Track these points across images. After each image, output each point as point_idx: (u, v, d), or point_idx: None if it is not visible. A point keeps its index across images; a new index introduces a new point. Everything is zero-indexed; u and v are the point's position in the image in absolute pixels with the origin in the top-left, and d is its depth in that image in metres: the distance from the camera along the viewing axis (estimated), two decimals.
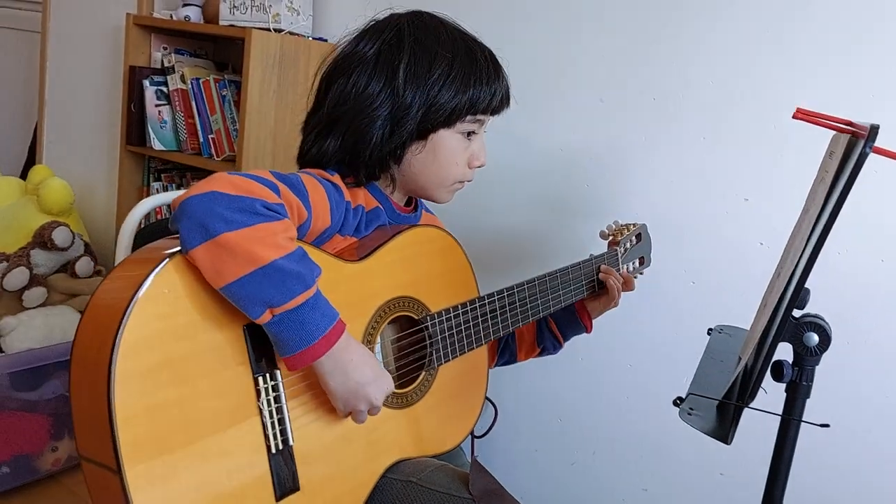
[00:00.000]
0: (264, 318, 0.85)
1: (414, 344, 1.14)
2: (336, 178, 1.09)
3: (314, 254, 0.99)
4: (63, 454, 1.99)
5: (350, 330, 1.01)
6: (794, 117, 0.76)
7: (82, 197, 2.41)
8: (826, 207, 0.73)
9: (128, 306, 0.79)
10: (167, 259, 0.83)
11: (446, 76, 1.08)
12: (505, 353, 1.43)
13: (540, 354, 1.44)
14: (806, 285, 0.77)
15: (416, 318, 1.12)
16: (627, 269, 1.44)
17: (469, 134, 1.14)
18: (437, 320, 1.12)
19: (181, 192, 0.86)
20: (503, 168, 1.84)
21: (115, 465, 0.77)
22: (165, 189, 2.22)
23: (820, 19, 1.46)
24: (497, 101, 1.15)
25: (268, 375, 0.91)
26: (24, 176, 2.49)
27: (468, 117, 1.12)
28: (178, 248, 0.84)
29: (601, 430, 1.78)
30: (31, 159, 2.66)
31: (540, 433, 1.88)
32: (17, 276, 1.92)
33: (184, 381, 0.83)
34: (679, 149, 1.62)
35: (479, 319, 1.18)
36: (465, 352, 1.16)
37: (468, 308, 1.16)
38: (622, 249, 1.41)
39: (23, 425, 1.89)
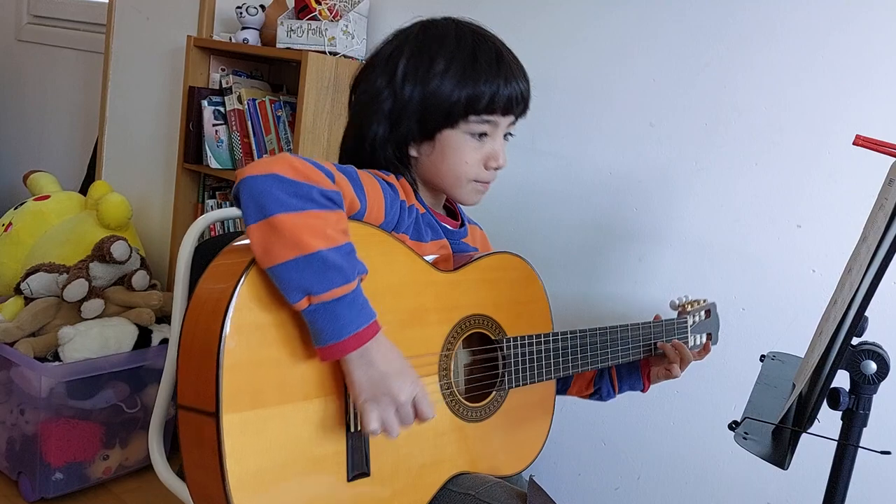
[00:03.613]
0: (301, 305, 0.86)
1: (486, 362, 1.16)
2: (391, 178, 1.11)
3: (407, 257, 1.04)
4: (114, 463, 2.04)
5: (432, 334, 1.06)
6: (854, 144, 0.76)
7: (139, 212, 2.47)
8: (887, 235, 0.72)
9: (247, 268, 0.86)
10: None
11: (443, 72, 1.09)
12: (557, 382, 1.43)
13: (590, 396, 1.44)
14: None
15: (492, 337, 1.15)
16: (695, 341, 1.43)
17: (481, 135, 1.13)
18: (511, 343, 1.15)
19: (233, 211, 0.91)
20: (551, 190, 1.86)
21: (215, 409, 0.83)
22: (220, 206, 2.27)
23: (874, 44, 1.46)
24: (502, 101, 1.11)
25: None
26: (84, 191, 2.57)
27: (472, 117, 1.11)
28: None
29: (646, 455, 1.77)
30: (91, 175, 2.74)
31: (584, 456, 1.87)
32: (77, 288, 1.97)
33: (286, 344, 0.89)
34: (730, 174, 1.62)
35: (552, 353, 1.20)
36: (535, 381, 1.18)
37: (542, 339, 1.19)
38: (692, 320, 1.42)
39: (77, 433, 1.94)
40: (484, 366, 1.16)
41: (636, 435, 1.78)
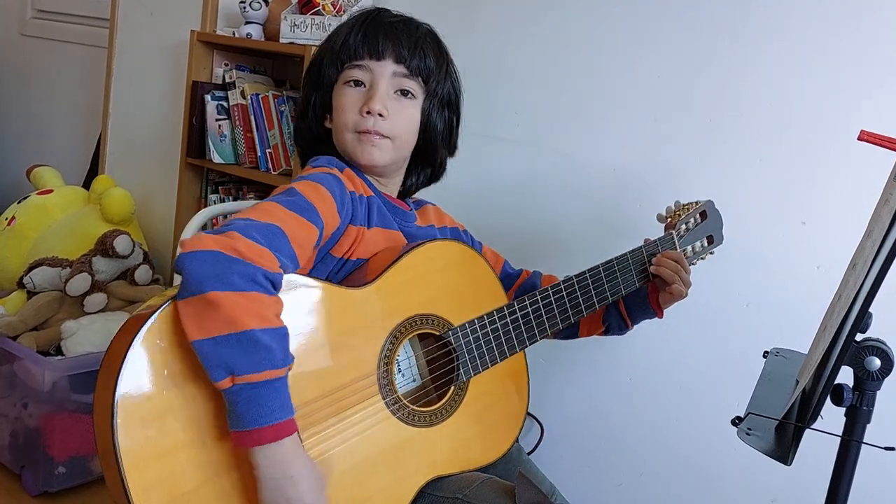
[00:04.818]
0: (223, 384, 0.84)
1: (442, 358, 1.12)
2: (334, 170, 1.10)
3: (320, 287, 0.99)
4: None
5: (363, 355, 1.02)
6: (859, 139, 0.76)
7: (142, 207, 2.47)
8: (892, 231, 0.72)
9: (122, 364, 0.83)
10: (156, 313, 0.86)
11: (330, 36, 1.19)
12: (564, 330, 1.34)
13: (605, 333, 1.38)
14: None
15: (437, 333, 1.10)
16: (693, 249, 1.35)
17: (357, 83, 1.14)
18: (459, 333, 1.11)
19: (233, 205, 0.88)
20: (555, 187, 1.85)
21: None
22: (222, 201, 2.27)
23: (877, 41, 1.45)
24: (362, 43, 1.14)
25: None
26: (87, 185, 2.57)
27: (344, 65, 1.15)
28: (167, 303, 0.87)
29: (649, 451, 1.76)
30: (94, 169, 2.74)
31: (586, 453, 1.86)
32: (80, 282, 1.97)
33: (189, 426, 0.86)
34: (734, 170, 1.61)
35: (511, 326, 1.15)
36: (496, 362, 1.14)
37: (495, 317, 1.14)
38: (681, 230, 1.32)
39: (80, 427, 1.94)
40: (442, 362, 1.12)
41: (639, 431, 1.78)
